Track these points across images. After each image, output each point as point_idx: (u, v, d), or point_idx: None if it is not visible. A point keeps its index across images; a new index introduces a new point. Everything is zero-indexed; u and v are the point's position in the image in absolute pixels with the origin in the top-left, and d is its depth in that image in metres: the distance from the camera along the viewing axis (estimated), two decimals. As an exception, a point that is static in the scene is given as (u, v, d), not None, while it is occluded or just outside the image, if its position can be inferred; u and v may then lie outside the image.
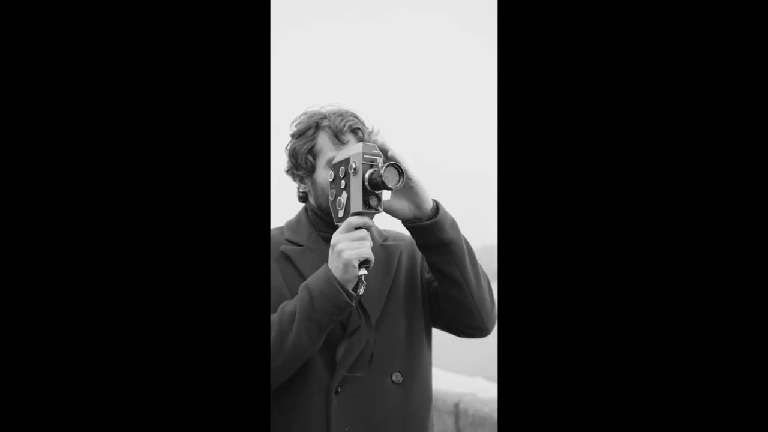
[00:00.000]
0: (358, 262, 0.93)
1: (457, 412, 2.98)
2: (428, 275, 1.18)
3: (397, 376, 1.07)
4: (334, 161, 1.04)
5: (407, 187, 0.99)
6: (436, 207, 1.03)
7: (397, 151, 1.00)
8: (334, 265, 0.95)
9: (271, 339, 0.93)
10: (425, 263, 1.18)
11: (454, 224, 1.04)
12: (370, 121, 1.17)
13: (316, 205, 1.13)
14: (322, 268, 0.97)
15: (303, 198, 1.18)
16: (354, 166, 0.96)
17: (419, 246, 1.05)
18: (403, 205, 1.02)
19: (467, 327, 1.09)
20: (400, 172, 0.95)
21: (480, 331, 1.10)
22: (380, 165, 0.96)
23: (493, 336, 1.04)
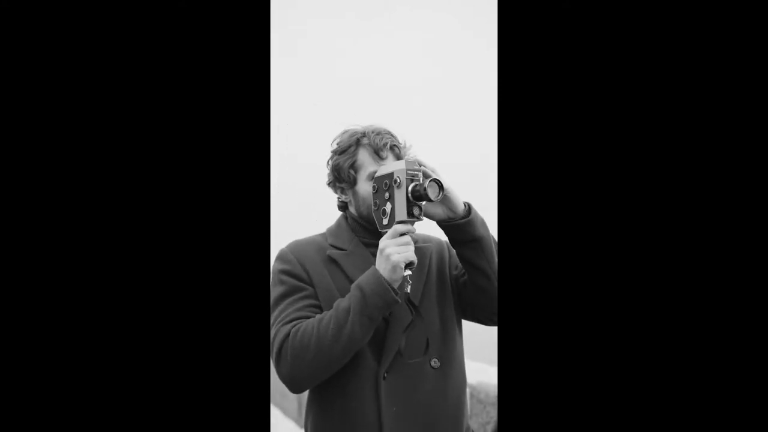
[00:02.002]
0: (404, 264, 1.07)
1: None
2: (455, 272, 1.32)
3: (435, 362, 1.19)
4: (377, 175, 1.18)
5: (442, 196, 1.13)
6: (469, 208, 1.17)
7: (431, 164, 1.15)
8: (382, 266, 1.08)
9: (329, 331, 1.07)
10: (452, 261, 1.33)
11: (484, 223, 1.19)
12: (402, 136, 1.31)
13: (356, 214, 1.27)
14: (370, 270, 1.10)
15: (342, 207, 1.32)
16: (398, 180, 1.10)
17: (453, 241, 1.19)
18: (438, 210, 1.17)
19: (493, 314, 1.22)
20: (441, 186, 1.10)
21: None
22: (421, 179, 1.10)
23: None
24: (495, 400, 3.10)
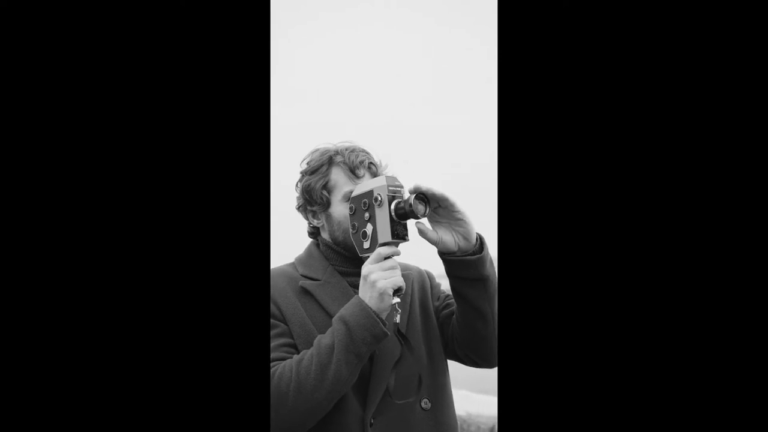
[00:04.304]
0: (393, 291, 0.96)
1: (491, 435, 2.93)
2: (437, 303, 1.21)
3: (425, 403, 1.09)
4: (354, 194, 1.07)
5: (456, 219, 1.02)
6: (480, 242, 1.05)
7: (439, 190, 1.01)
8: (368, 295, 0.97)
9: (312, 373, 0.95)
10: (434, 292, 1.23)
11: (492, 261, 1.07)
12: (377, 154, 1.21)
13: (331, 240, 1.16)
14: (354, 300, 0.99)
15: (313, 233, 1.22)
16: (379, 198, 1.00)
17: (454, 278, 1.06)
18: (451, 237, 1.03)
19: (479, 357, 1.12)
20: (426, 201, 0.99)
21: (489, 363, 1.13)
22: (403, 196, 1.01)
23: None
24: (486, 432, 2.97)
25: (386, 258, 0.99)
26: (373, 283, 0.96)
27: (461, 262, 1.03)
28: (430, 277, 1.27)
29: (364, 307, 0.96)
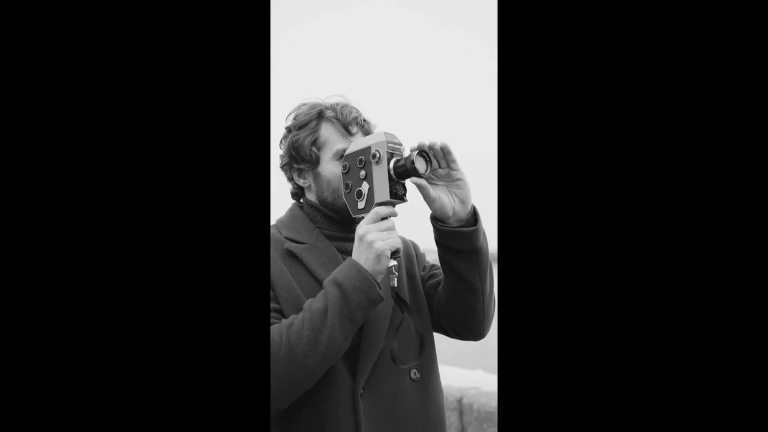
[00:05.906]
0: (390, 252, 0.91)
1: (461, 408, 2.93)
2: (422, 273, 1.17)
3: (414, 373, 1.05)
4: (348, 152, 1.00)
5: (455, 180, 0.97)
6: (474, 213, 1.00)
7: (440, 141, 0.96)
8: (364, 256, 0.91)
9: (303, 338, 0.89)
10: (419, 261, 1.19)
11: (485, 233, 1.03)
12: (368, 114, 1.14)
13: (317, 201, 1.09)
14: (348, 262, 0.93)
15: (297, 194, 1.14)
16: (378, 154, 0.93)
17: (446, 249, 1.01)
18: (448, 199, 0.98)
19: (466, 330, 1.09)
20: (428, 159, 0.93)
21: (476, 336, 1.11)
22: (403, 154, 0.95)
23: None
24: (455, 404, 2.98)
25: (383, 219, 0.93)
26: (370, 244, 0.90)
27: (454, 233, 0.98)
28: (415, 247, 1.22)
29: (359, 269, 0.90)
